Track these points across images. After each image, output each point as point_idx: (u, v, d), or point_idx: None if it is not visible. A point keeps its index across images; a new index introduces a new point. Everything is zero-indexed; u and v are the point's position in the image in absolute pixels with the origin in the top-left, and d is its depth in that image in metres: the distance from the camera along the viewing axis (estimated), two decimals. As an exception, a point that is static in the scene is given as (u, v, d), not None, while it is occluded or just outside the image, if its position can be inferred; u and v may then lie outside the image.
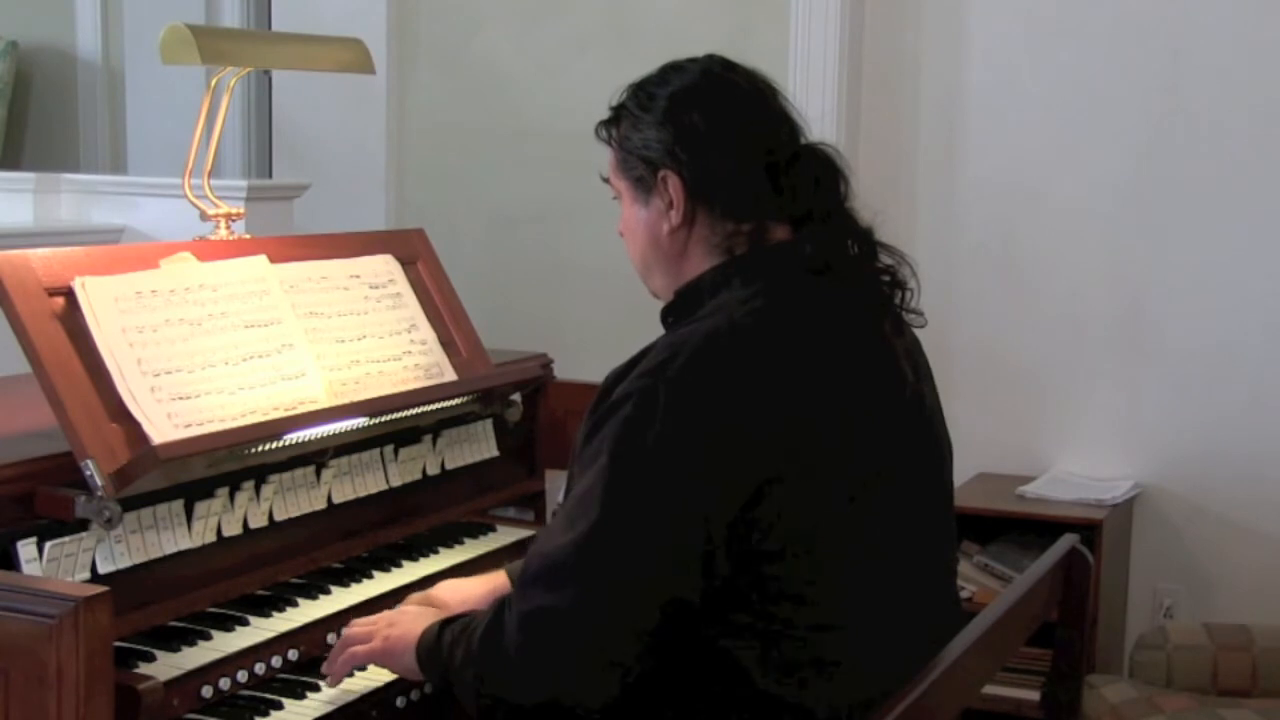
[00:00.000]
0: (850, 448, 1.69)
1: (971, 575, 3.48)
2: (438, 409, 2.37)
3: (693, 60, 1.87)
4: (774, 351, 1.69)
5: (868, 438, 1.72)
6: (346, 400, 2.19)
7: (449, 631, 1.80)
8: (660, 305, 1.89)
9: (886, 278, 1.83)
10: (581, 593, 1.63)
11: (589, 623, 1.63)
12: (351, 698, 1.89)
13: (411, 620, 1.90)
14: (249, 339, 2.11)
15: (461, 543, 2.41)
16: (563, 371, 2.78)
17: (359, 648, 1.92)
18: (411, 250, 2.53)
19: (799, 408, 1.66)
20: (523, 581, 1.70)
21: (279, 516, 2.12)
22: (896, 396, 1.78)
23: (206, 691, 1.81)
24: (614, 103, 1.89)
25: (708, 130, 1.79)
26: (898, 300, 1.84)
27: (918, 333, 1.91)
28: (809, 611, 1.66)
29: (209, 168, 2.53)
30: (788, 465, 1.64)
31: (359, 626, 1.96)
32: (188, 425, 1.94)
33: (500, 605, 1.72)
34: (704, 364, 1.66)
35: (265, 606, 2.00)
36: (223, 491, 2.02)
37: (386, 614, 1.99)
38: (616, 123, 1.87)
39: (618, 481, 1.64)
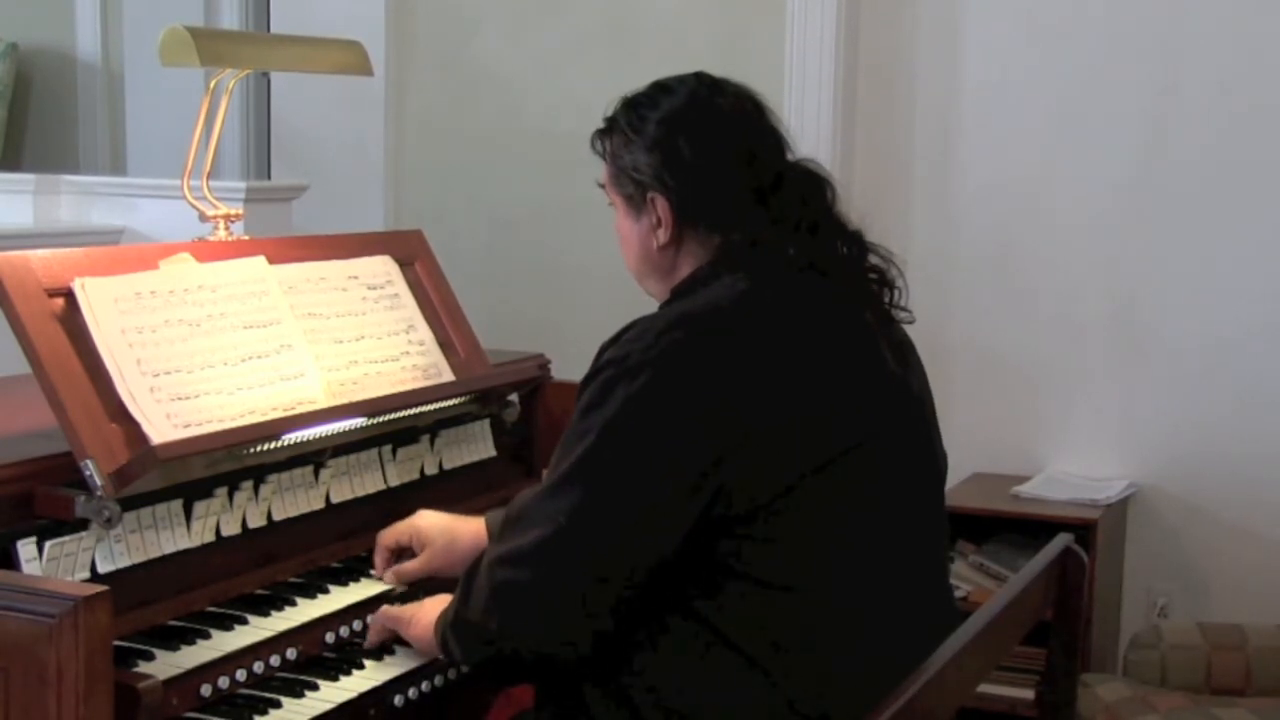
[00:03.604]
0: (824, 416, 1.73)
1: (966, 575, 3.49)
2: (436, 409, 2.38)
3: (681, 81, 1.90)
4: (751, 326, 1.74)
5: (844, 410, 1.75)
6: (345, 400, 2.20)
7: (443, 616, 1.88)
8: (657, 305, 1.92)
9: (874, 275, 1.87)
10: (555, 554, 1.70)
11: (564, 579, 1.70)
12: (351, 696, 1.90)
13: (433, 605, 1.97)
14: (248, 339, 2.12)
15: (459, 542, 2.42)
16: (560, 372, 2.79)
17: (388, 607, 2.03)
18: (409, 251, 2.54)
19: (772, 376, 1.71)
20: (501, 540, 1.78)
21: (277, 516, 2.13)
22: (877, 376, 1.81)
23: (206, 690, 1.81)
24: (607, 114, 1.93)
25: (694, 156, 1.84)
26: (886, 299, 1.87)
27: (913, 333, 1.94)
28: (781, 576, 1.70)
29: (208, 169, 2.54)
30: (757, 429, 1.68)
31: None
32: (187, 425, 1.95)
33: (473, 570, 1.81)
34: (680, 333, 1.72)
35: (264, 606, 2.00)
36: (221, 491, 2.03)
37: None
38: (609, 135, 1.91)
39: (594, 446, 1.70)
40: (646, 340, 1.72)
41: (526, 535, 1.72)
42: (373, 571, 2.18)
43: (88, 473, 1.82)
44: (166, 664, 1.80)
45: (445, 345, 2.47)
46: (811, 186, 1.88)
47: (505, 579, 1.73)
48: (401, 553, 2.18)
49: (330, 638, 2.02)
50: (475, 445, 2.55)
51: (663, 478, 1.68)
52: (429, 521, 2.17)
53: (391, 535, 2.18)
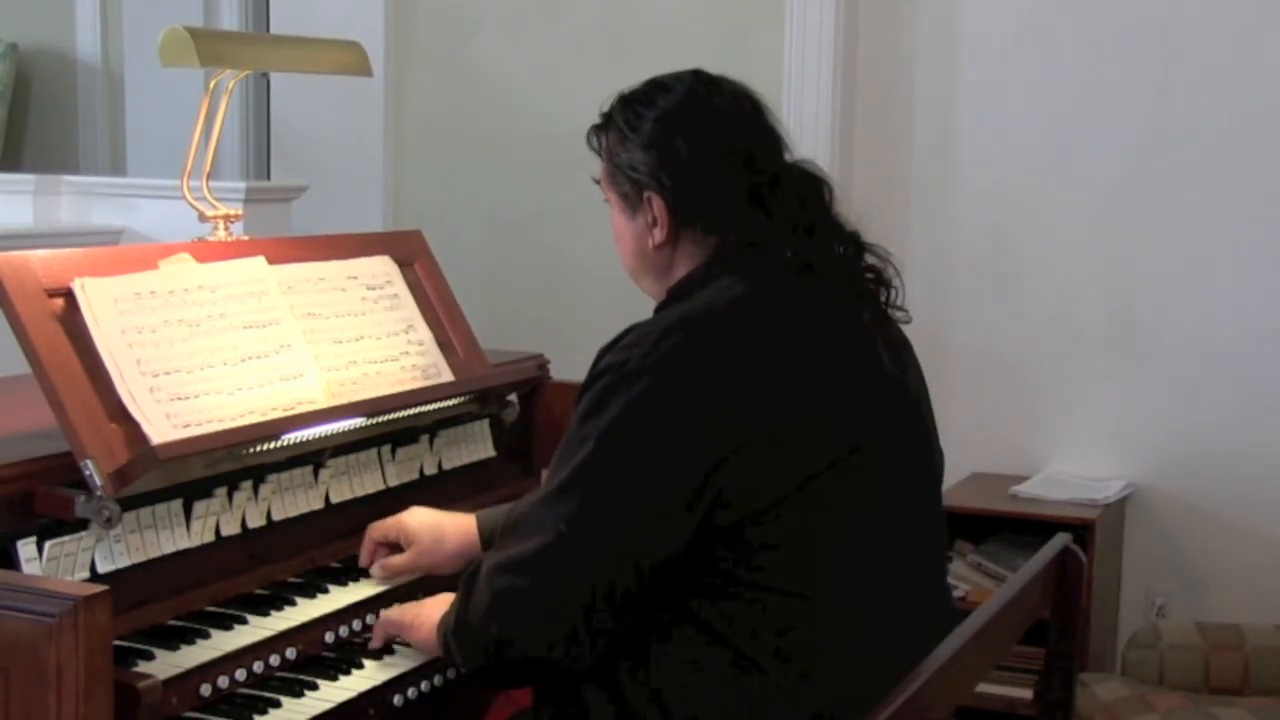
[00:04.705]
0: (823, 418, 1.73)
1: (965, 574, 3.50)
2: (435, 409, 2.38)
3: (678, 79, 1.90)
4: (749, 328, 1.74)
5: (843, 411, 1.76)
6: (344, 400, 2.20)
7: (445, 621, 1.89)
8: (653, 304, 1.92)
9: (871, 275, 1.87)
10: (556, 561, 1.70)
11: (565, 586, 1.70)
12: (350, 696, 1.90)
13: (434, 606, 1.97)
14: (247, 340, 2.12)
15: (458, 542, 2.42)
16: (559, 372, 2.79)
17: (389, 611, 2.02)
18: (409, 251, 2.54)
19: (771, 378, 1.71)
20: (501, 547, 1.78)
21: (277, 516, 2.14)
22: (875, 377, 1.81)
23: (205, 690, 1.82)
24: (603, 110, 1.92)
25: (690, 155, 1.83)
26: (883, 298, 1.87)
27: (910, 333, 1.94)
28: (781, 579, 1.70)
29: (208, 169, 2.54)
30: (757, 432, 1.68)
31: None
32: (186, 425, 1.96)
33: (473, 575, 1.81)
34: (678, 337, 1.72)
35: (264, 605, 2.00)
36: (221, 491, 2.04)
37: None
38: (605, 131, 1.91)
39: (594, 452, 1.70)
40: (644, 346, 1.71)
41: (527, 542, 1.72)
42: (360, 563, 2.19)
43: (88, 473, 1.82)
44: (166, 664, 1.80)
45: (445, 345, 2.48)
46: (809, 187, 1.88)
47: (506, 586, 1.73)
48: (392, 548, 2.19)
49: (330, 637, 2.02)
50: (474, 445, 2.55)
51: (663, 483, 1.67)
52: (417, 519, 2.17)
53: (380, 530, 2.18)
